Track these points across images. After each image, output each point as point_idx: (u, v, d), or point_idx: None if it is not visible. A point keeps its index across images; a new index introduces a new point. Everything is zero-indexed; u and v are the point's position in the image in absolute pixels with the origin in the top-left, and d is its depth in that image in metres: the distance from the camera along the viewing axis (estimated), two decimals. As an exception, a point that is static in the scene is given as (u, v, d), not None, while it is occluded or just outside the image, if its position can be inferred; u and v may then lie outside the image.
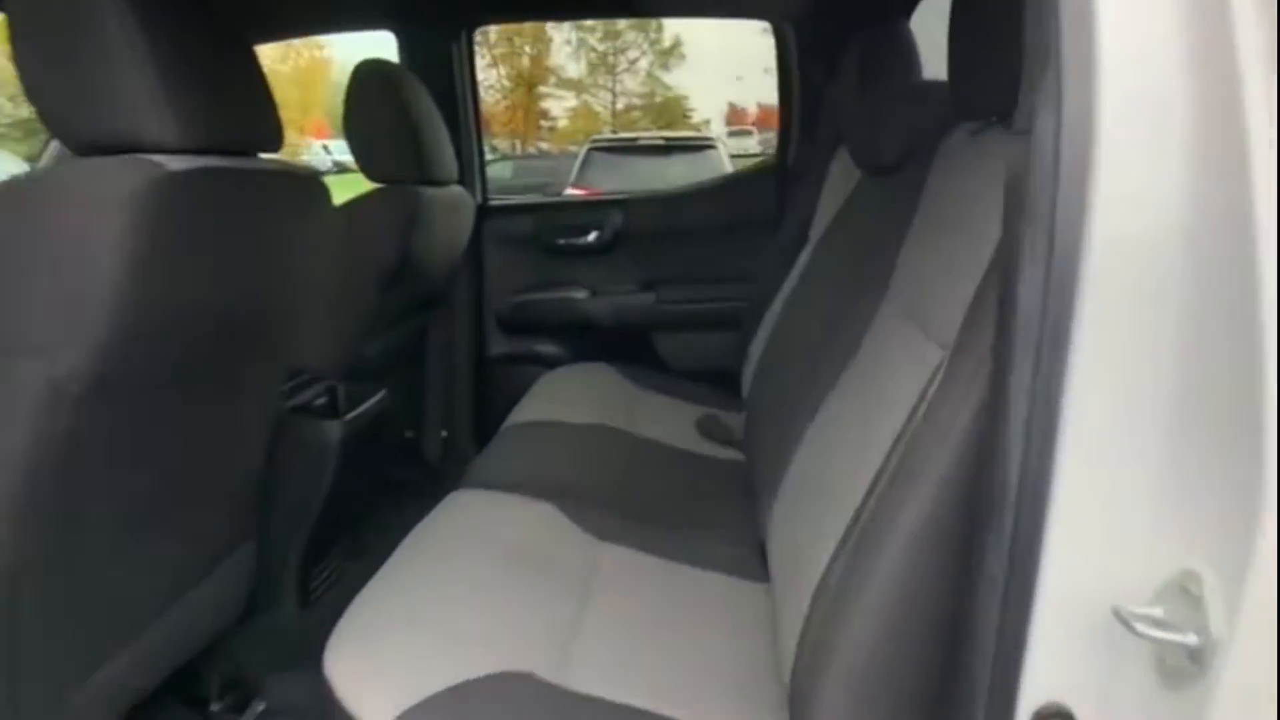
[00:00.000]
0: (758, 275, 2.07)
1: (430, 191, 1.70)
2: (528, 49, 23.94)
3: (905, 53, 1.55)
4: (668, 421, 1.82)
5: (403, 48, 2.09)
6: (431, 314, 2.10)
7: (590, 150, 8.27)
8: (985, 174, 0.91)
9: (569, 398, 1.86)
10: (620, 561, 1.24)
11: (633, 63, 24.92)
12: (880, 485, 0.80)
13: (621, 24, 24.18)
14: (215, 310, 1.07)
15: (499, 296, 2.27)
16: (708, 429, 1.79)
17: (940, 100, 1.20)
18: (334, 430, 1.48)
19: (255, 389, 1.30)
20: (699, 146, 8.35)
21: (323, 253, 1.31)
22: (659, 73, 24.95)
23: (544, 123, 26.13)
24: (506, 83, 24.21)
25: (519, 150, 22.63)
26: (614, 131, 19.23)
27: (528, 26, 22.86)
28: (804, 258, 1.77)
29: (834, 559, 0.84)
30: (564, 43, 24.44)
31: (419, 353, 2.17)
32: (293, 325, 1.30)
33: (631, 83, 25.17)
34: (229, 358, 1.16)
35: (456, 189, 1.90)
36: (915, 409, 0.82)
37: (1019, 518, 0.59)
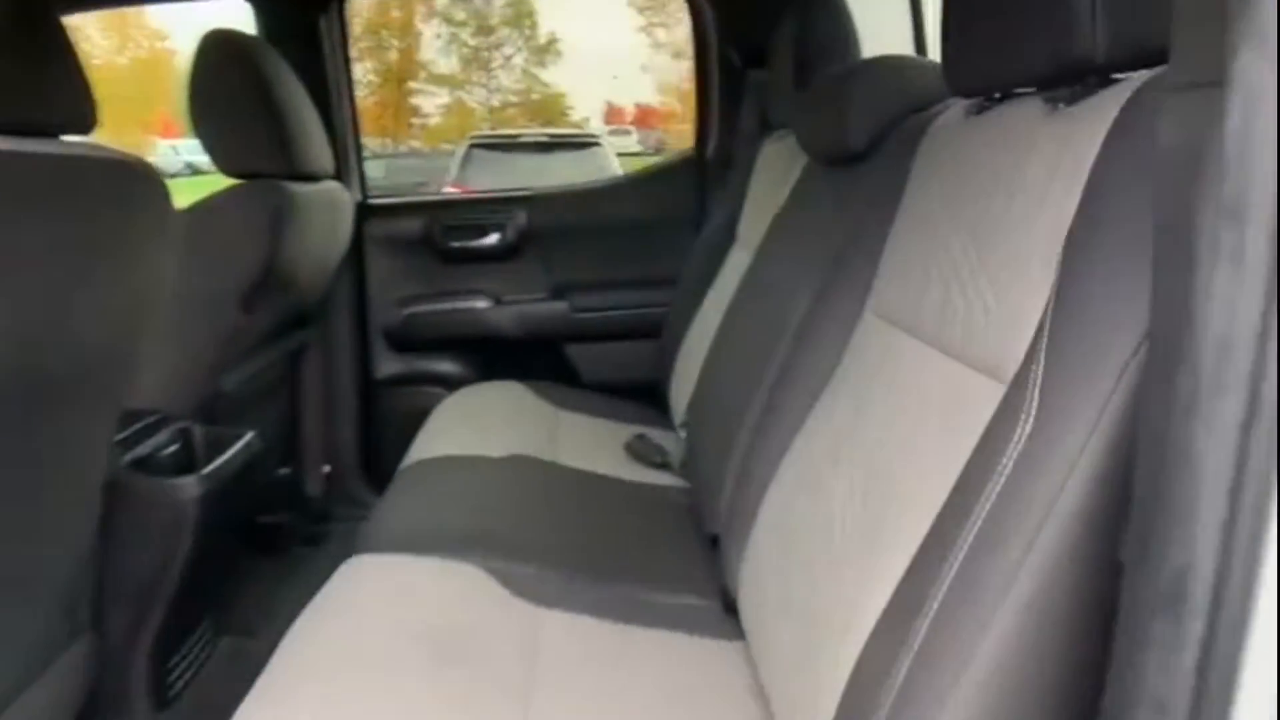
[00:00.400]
0: (680, 278, 1.88)
1: (301, 188, 1.42)
2: (395, 43, 23.04)
3: (845, 31, 1.39)
4: (594, 445, 1.60)
5: (261, 21, 1.78)
6: (306, 332, 1.80)
7: (470, 147, 7.91)
8: (1010, 158, 0.74)
9: (478, 424, 1.61)
10: (567, 631, 1.02)
11: (508, 59, 24.42)
12: (960, 547, 0.60)
13: (495, 19, 23.65)
14: (7, 344, 0.78)
15: (386, 309, 1.98)
16: (638, 451, 1.59)
17: (908, 79, 1.05)
18: (189, 488, 1.17)
19: (77, 443, 1.00)
20: (583, 144, 8.14)
21: (164, 263, 1.02)
22: (535, 69, 24.55)
23: (415, 120, 25.25)
24: (374, 78, 23.24)
25: (390, 149, 21.75)
26: (492, 129, 18.75)
27: (396, 16, 22.00)
28: (739, 258, 1.59)
29: (893, 628, 0.64)
30: (434, 37, 23.69)
31: (293, 378, 1.87)
32: (124, 357, 1.00)
33: (507, 79, 24.66)
34: (33, 406, 0.86)
35: (332, 185, 1.62)
36: (983, 452, 0.64)
37: (1214, 624, 0.42)
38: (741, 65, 1.80)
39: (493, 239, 2.01)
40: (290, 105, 1.41)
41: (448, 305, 1.96)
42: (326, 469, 2.00)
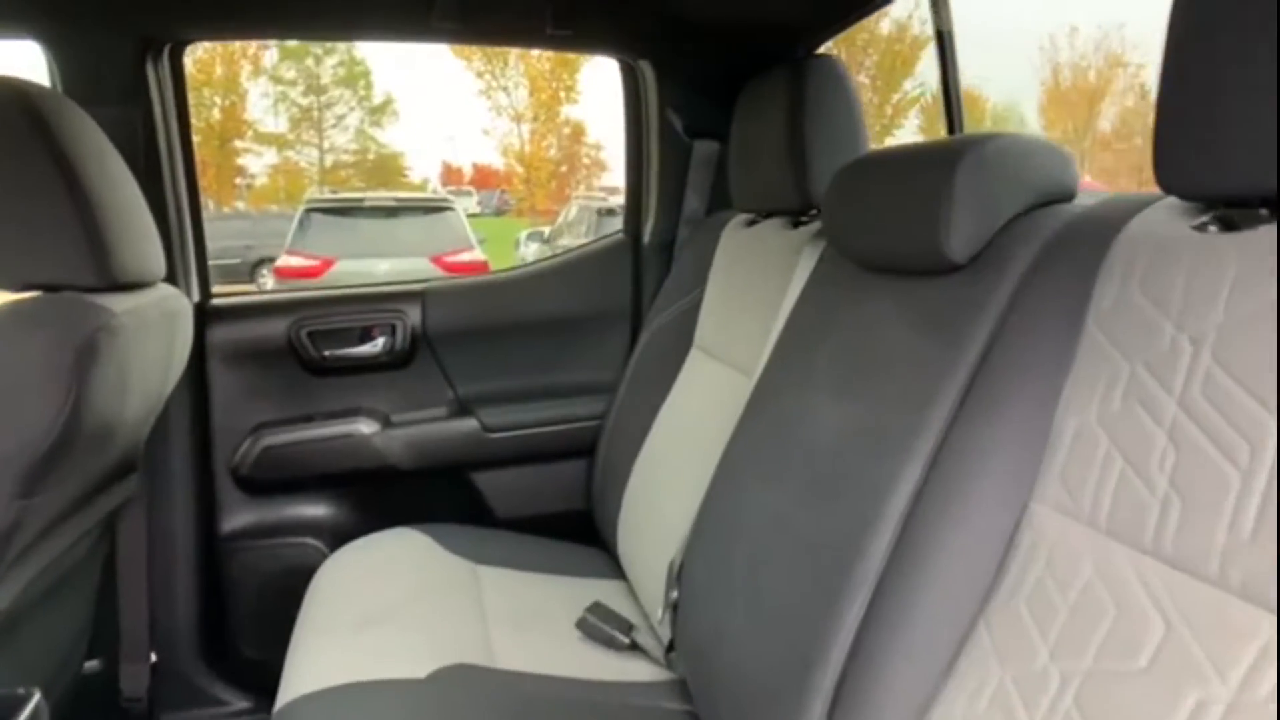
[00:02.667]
0: (615, 385, 1.56)
1: (121, 302, 0.99)
2: (218, 100, 21.67)
3: (850, 98, 1.15)
4: (537, 621, 1.22)
5: (59, 69, 1.32)
6: (126, 484, 1.31)
7: (306, 211, 7.29)
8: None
9: (376, 604, 1.20)
10: None
11: (340, 119, 23.53)
12: None
13: (326, 78, 22.80)
14: None
15: (234, 441, 1.53)
16: (597, 631, 1.22)
17: (1036, 166, 0.78)
18: None
19: None
20: (433, 208, 7.71)
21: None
22: (372, 129, 23.78)
23: (240, 180, 23.76)
24: (195, 136, 21.69)
25: (212, 210, 20.24)
26: (328, 190, 17.80)
27: (219, 73, 20.76)
28: (704, 367, 1.29)
29: None
30: (261, 95, 22.50)
31: (110, 543, 1.37)
32: None
33: (341, 139, 23.71)
34: None
35: (165, 290, 1.18)
36: None
37: None
38: (687, 135, 1.52)
39: (377, 344, 1.60)
40: (102, 182, 0.98)
41: (319, 432, 1.52)
42: (153, 658, 1.49)
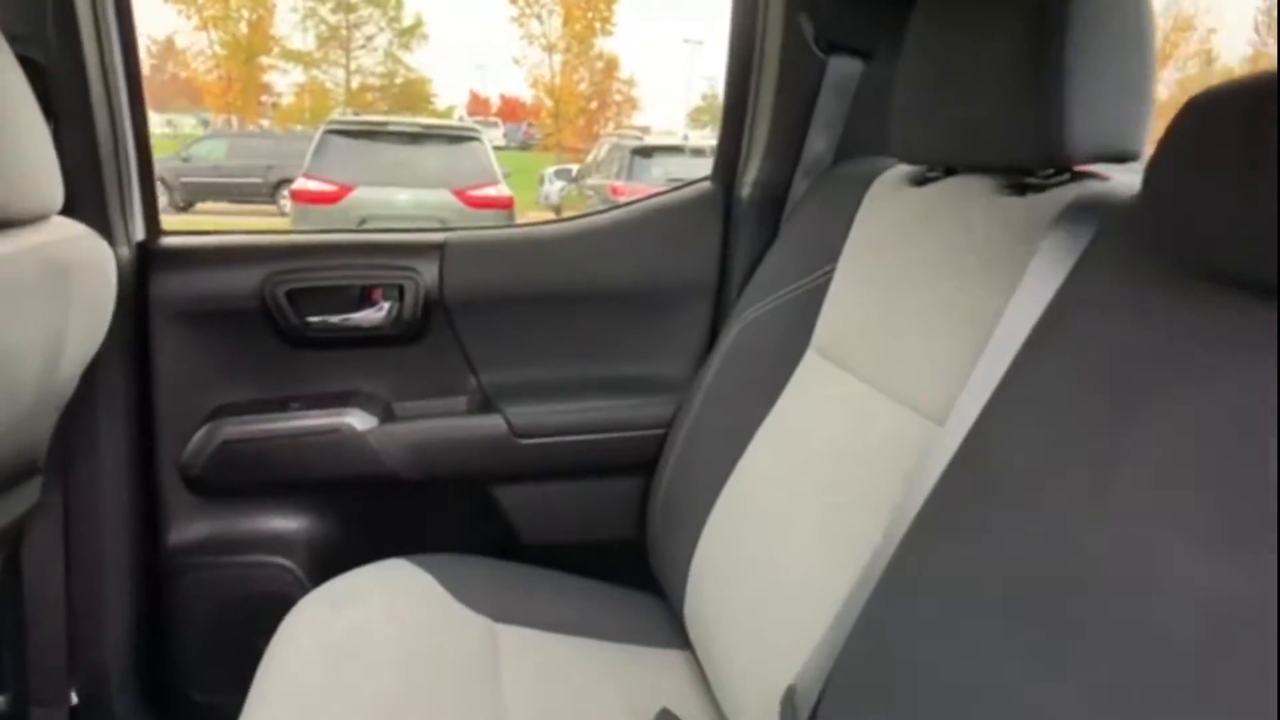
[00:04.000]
0: (687, 387, 1.18)
1: None
2: (246, 14, 20.99)
3: (1143, 16, 0.73)
4: None
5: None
6: (30, 488, 0.94)
7: (326, 133, 6.84)
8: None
9: (357, 676, 0.85)
10: None
11: (369, 39, 22.77)
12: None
13: (356, -5, 22.08)
14: None
15: (182, 430, 1.14)
16: None
17: None
18: None
19: None
20: (459, 137, 7.23)
21: None
22: (400, 52, 23.02)
23: (265, 98, 23.17)
24: (220, 49, 21.13)
25: (236, 127, 19.74)
26: (354, 112, 17.21)
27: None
28: (827, 381, 0.90)
29: None
30: (289, 9, 21.80)
31: (12, 562, 1.02)
32: None
33: (369, 61, 22.99)
34: None
35: (58, 228, 0.80)
36: None
37: None
38: (821, 49, 1.09)
39: (380, 310, 1.21)
40: None
41: (296, 424, 1.13)
42: (73, 701, 1.15)
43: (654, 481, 1.14)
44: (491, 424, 1.19)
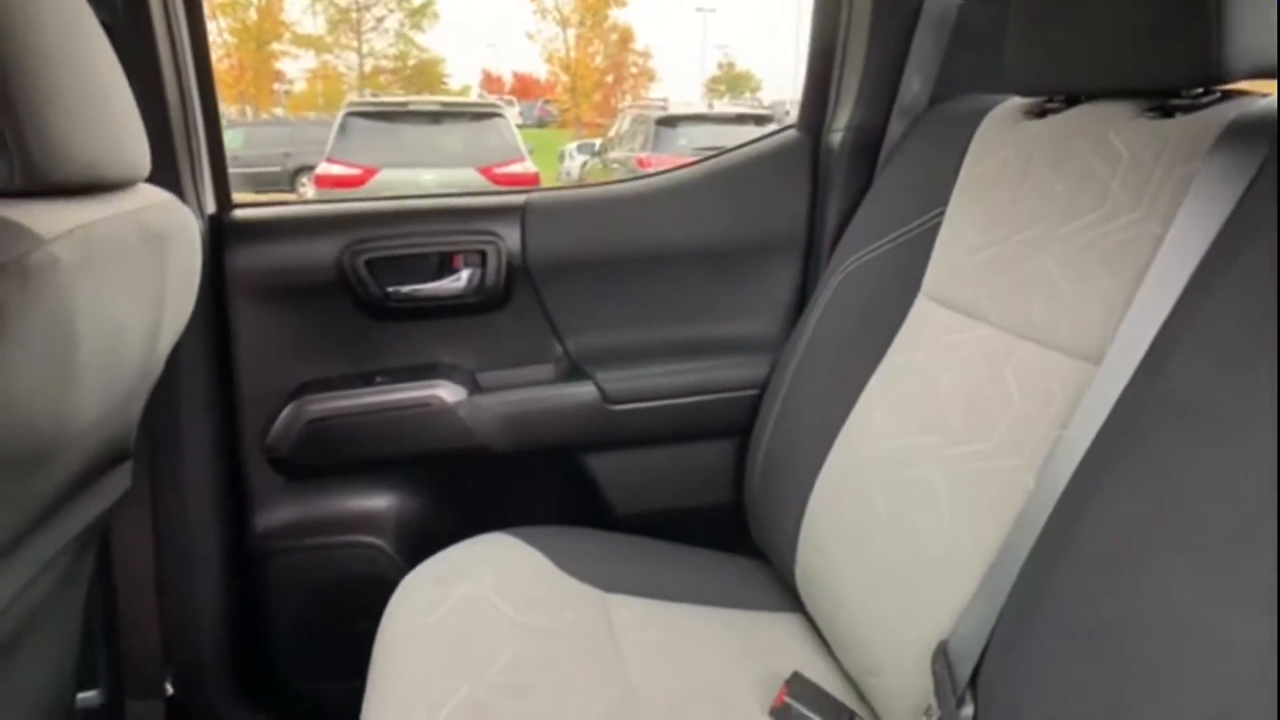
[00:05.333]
0: (780, 344, 1.12)
1: (58, 213, 0.57)
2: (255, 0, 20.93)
3: None
4: (710, 699, 0.83)
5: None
6: (116, 478, 0.91)
7: (347, 116, 6.78)
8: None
9: (482, 657, 0.81)
10: None
11: (379, 20, 22.62)
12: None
13: (365, -24, 21.93)
14: None
15: (266, 410, 1.11)
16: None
17: None
18: None
19: None
20: (482, 114, 7.15)
21: None
22: (411, 33, 22.86)
23: (278, 85, 23.14)
24: (229, 37, 21.09)
25: (250, 116, 19.75)
26: (371, 95, 17.12)
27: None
28: (941, 325, 0.84)
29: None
30: (298, -6, 21.73)
31: (100, 551, 0.99)
32: None
33: (380, 43, 22.86)
34: None
35: (149, 194, 0.75)
36: None
37: None
38: None
39: (460, 278, 1.17)
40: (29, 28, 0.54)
41: (385, 398, 1.10)
42: (169, 692, 1.12)
43: (751, 443, 1.09)
44: (583, 391, 1.14)
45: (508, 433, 1.13)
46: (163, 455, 1.05)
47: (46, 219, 0.54)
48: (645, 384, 1.16)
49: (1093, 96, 0.77)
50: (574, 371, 1.17)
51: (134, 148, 0.70)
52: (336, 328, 1.13)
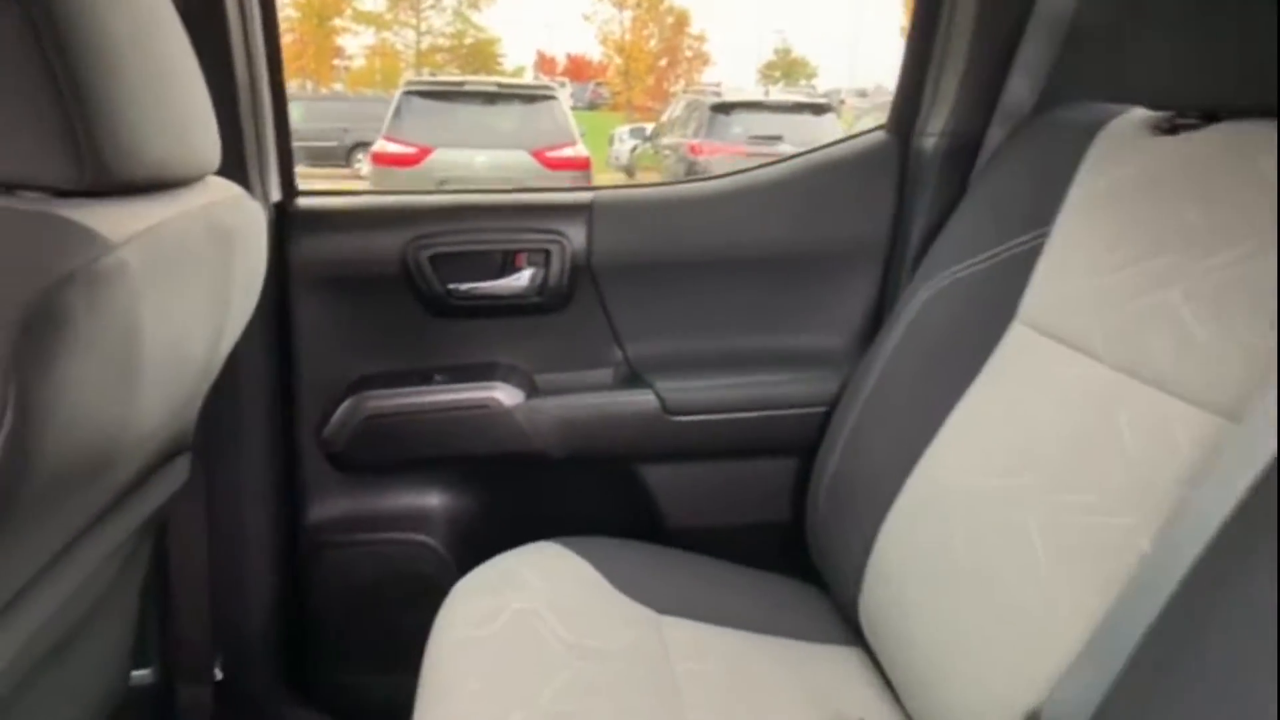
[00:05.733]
0: (847, 356, 1.07)
1: (125, 214, 0.54)
2: (317, -25, 21.18)
3: None
4: None
5: None
6: (175, 468, 0.90)
7: (405, 94, 6.80)
8: None
9: (534, 676, 0.79)
10: None
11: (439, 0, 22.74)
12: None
13: (425, -46, 22.04)
14: None
15: (322, 402, 1.09)
16: None
17: None
18: None
19: None
20: (536, 95, 7.12)
21: None
22: (468, 12, 22.94)
23: (338, 61, 23.41)
24: (292, 12, 21.38)
25: (310, 91, 20.01)
26: (432, 74, 17.22)
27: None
28: (1041, 357, 0.78)
29: None
30: (360, -30, 21.93)
31: (149, 550, 0.99)
32: None
33: (438, 21, 22.97)
34: None
35: (218, 188, 0.73)
36: None
37: None
38: None
39: (522, 277, 1.15)
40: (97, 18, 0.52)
41: (442, 398, 1.07)
42: (218, 677, 1.12)
43: (816, 463, 1.04)
44: (642, 400, 1.11)
45: (564, 439, 1.10)
46: (220, 445, 1.05)
47: (115, 221, 0.52)
48: (707, 395, 1.12)
49: (1235, 114, 0.70)
50: (633, 379, 1.14)
51: (205, 141, 0.67)
52: (396, 322, 1.11)
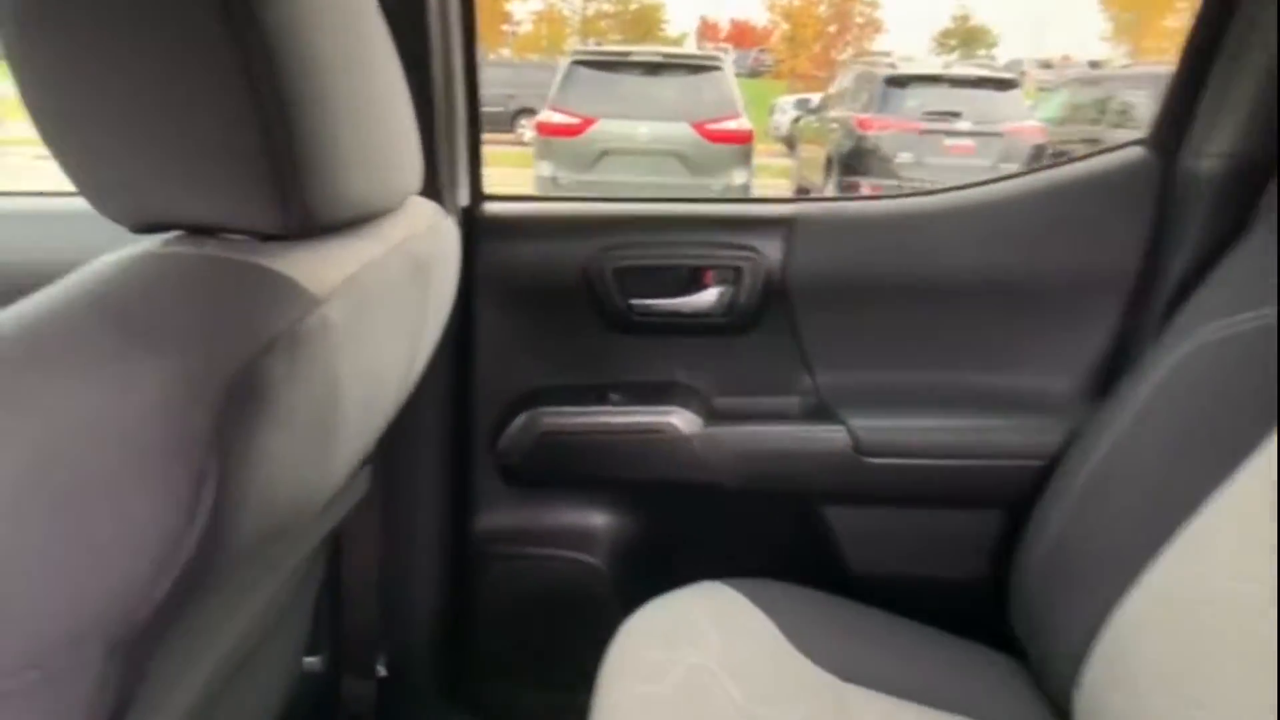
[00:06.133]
0: (1069, 400, 0.92)
1: (333, 259, 0.50)
2: (490, -59, 21.69)
3: None
4: None
5: None
6: (352, 490, 0.89)
7: (572, 64, 6.83)
8: None
9: None
10: None
11: (607, -36, 22.83)
12: None
13: (595, -82, 22.13)
14: None
15: (497, 412, 1.06)
16: None
17: None
18: None
19: None
20: (700, 66, 6.97)
21: None
22: (636, -24, 22.91)
23: (506, 27, 24.00)
24: (466, -22, 22.06)
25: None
26: (598, 43, 17.38)
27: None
28: None
29: None
30: (531, -64, 22.30)
31: (327, 554, 0.99)
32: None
33: (604, -14, 23.09)
34: None
35: (417, 213, 0.69)
36: None
37: None
38: None
39: (710, 295, 1.07)
40: (305, 33, 0.47)
41: (619, 420, 1.01)
42: (381, 674, 1.13)
43: (1031, 523, 0.91)
44: (832, 436, 1.01)
45: (742, 471, 1.03)
46: (398, 451, 1.04)
47: (318, 270, 0.48)
48: (907, 438, 1.01)
49: None
50: (822, 411, 1.04)
51: (408, 164, 0.63)
52: (573, 335, 1.06)
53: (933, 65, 8.56)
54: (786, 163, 10.06)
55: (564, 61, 6.97)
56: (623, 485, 1.07)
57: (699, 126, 6.49)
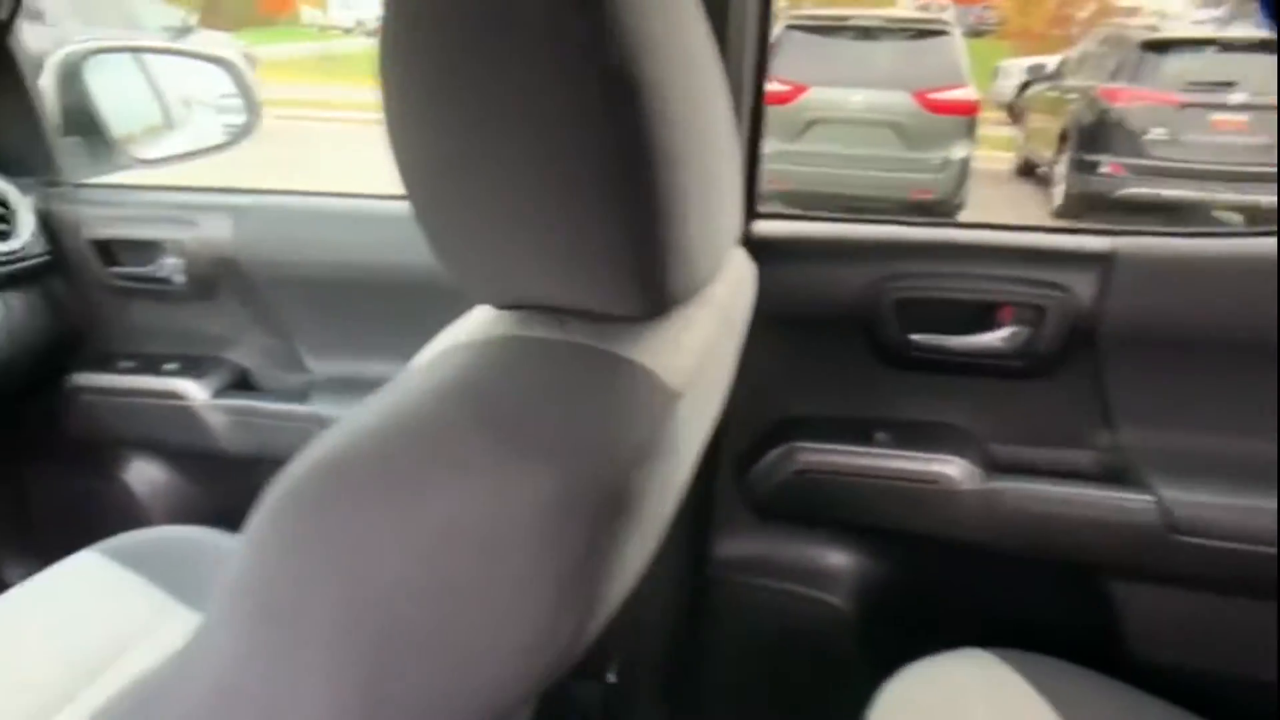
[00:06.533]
0: None
1: (677, 341, 0.47)
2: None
3: None
4: None
5: None
6: None
7: (787, 29, 6.59)
8: None
9: None
10: None
11: (823, -81, 21.85)
12: None
13: None
14: None
15: (748, 439, 1.01)
16: None
17: None
18: None
19: None
20: (925, 31, 6.52)
21: None
22: (853, -69, 21.79)
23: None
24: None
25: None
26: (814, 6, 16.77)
27: None
28: None
29: None
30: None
31: None
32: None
33: (819, -59, 22.14)
34: None
35: (733, 268, 0.65)
36: None
37: None
38: None
39: (1001, 334, 0.95)
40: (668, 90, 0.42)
41: (884, 463, 0.94)
42: (610, 678, 1.14)
43: None
44: (1136, 505, 0.89)
45: (1021, 532, 0.92)
46: None
47: (672, 359, 0.44)
48: (1230, 516, 0.86)
49: None
50: (1124, 474, 0.91)
51: (736, 219, 0.59)
52: (841, 365, 0.99)
53: (1198, 28, 7.50)
54: (1009, 133, 9.28)
55: (780, 27, 6.75)
56: (875, 530, 1.00)
57: (920, 95, 6.10)
